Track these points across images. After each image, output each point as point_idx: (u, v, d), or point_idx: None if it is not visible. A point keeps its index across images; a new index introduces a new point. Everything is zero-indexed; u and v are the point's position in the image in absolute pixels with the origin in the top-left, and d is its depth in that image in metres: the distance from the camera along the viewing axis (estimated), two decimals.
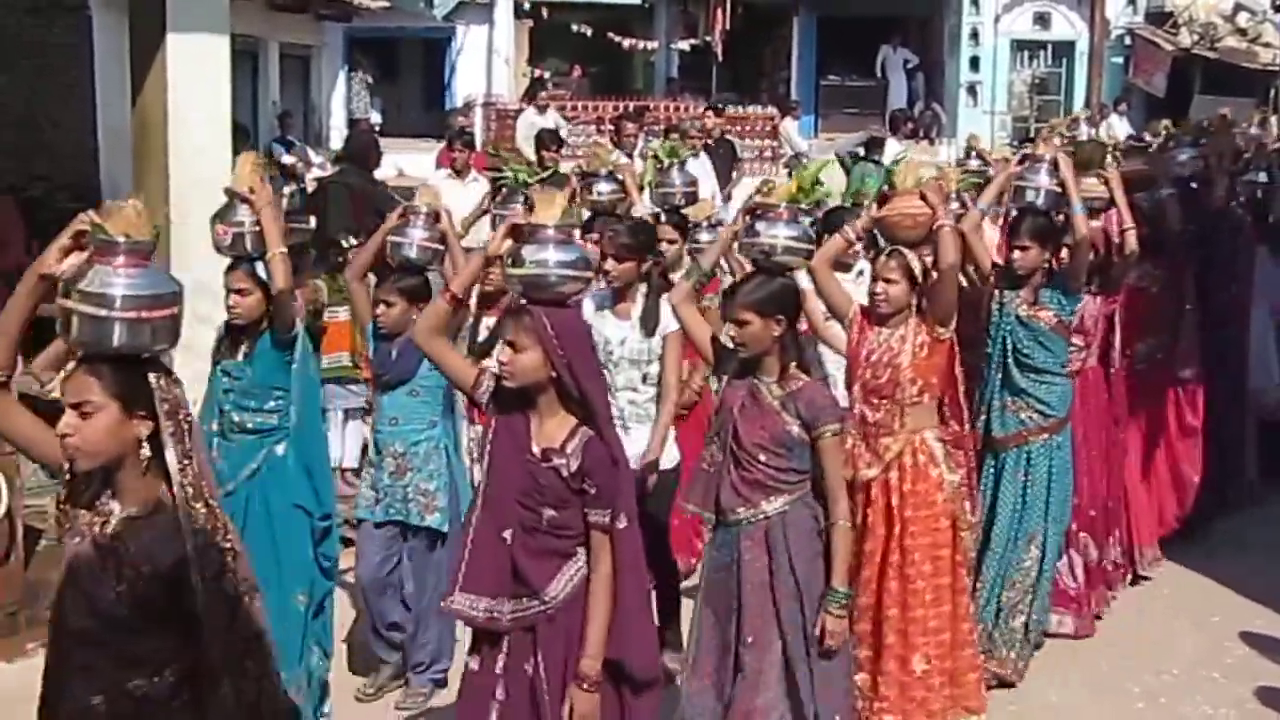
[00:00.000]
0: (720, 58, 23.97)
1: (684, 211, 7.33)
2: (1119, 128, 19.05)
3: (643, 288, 6.00)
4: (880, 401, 5.40)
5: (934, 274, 5.29)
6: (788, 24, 25.21)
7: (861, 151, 16.21)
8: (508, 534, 4.02)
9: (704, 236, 7.46)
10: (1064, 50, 24.42)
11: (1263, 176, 9.03)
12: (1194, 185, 8.17)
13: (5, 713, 5.32)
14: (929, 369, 5.37)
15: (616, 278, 5.91)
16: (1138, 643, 6.67)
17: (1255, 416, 8.83)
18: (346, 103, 20.78)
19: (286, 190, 14.79)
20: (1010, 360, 6.18)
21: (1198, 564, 7.56)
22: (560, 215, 4.16)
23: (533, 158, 12.36)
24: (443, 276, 5.88)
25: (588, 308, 5.81)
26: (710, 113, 15.36)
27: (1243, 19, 22.77)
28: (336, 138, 18.54)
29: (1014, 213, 6.45)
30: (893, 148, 16.16)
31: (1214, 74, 22.10)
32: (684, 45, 25.51)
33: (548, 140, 11.82)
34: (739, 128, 19.94)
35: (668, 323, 5.77)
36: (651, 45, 25.36)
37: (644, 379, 5.94)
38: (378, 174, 11.69)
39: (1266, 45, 22.39)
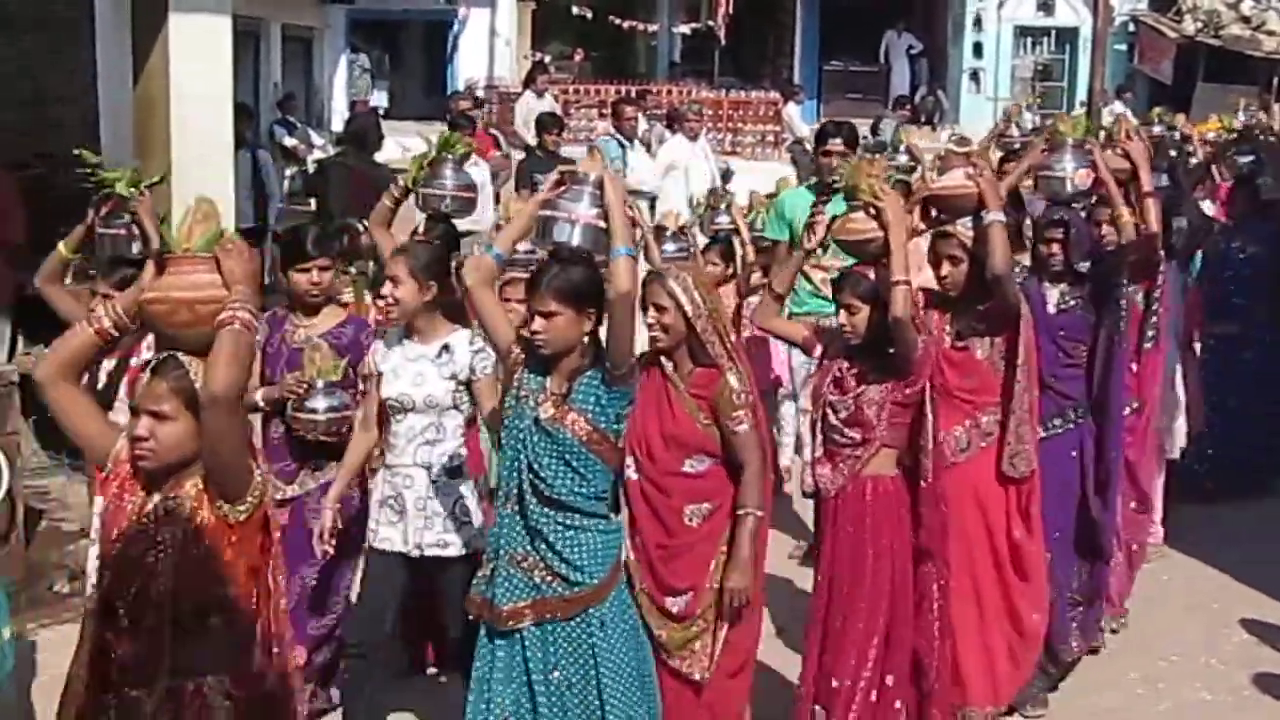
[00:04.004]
0: (723, 41, 23.94)
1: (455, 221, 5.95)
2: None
3: None
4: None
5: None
6: (791, 8, 25.17)
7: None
8: None
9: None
10: (1067, 37, 24.41)
11: (1162, 179, 7.84)
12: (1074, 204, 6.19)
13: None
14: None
15: None
16: (1137, 629, 6.67)
17: (1163, 458, 7.38)
18: (348, 85, 20.75)
19: (288, 172, 14.86)
20: (525, 487, 4.16)
21: (1197, 552, 7.56)
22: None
23: (533, 141, 12.39)
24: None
25: None
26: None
27: (1246, 6, 22.74)
28: (338, 120, 18.51)
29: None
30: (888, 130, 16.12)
31: (1218, 62, 22.08)
32: (686, 29, 25.47)
33: (548, 124, 11.83)
34: (741, 112, 19.93)
35: None
36: (653, 28, 25.32)
37: None
38: (380, 156, 11.67)
39: (1270, 33, 22.35)
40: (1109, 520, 6.01)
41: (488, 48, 22.11)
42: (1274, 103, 16.06)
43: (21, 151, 9.64)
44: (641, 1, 25.37)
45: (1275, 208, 9.01)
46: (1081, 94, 22.29)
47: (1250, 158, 9.15)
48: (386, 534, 4.93)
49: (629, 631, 4.35)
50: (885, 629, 4.86)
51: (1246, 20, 22.60)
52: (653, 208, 11.49)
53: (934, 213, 5.37)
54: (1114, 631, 6.46)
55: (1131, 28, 23.92)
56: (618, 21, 23.87)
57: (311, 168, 14.67)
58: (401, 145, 16.50)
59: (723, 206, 8.32)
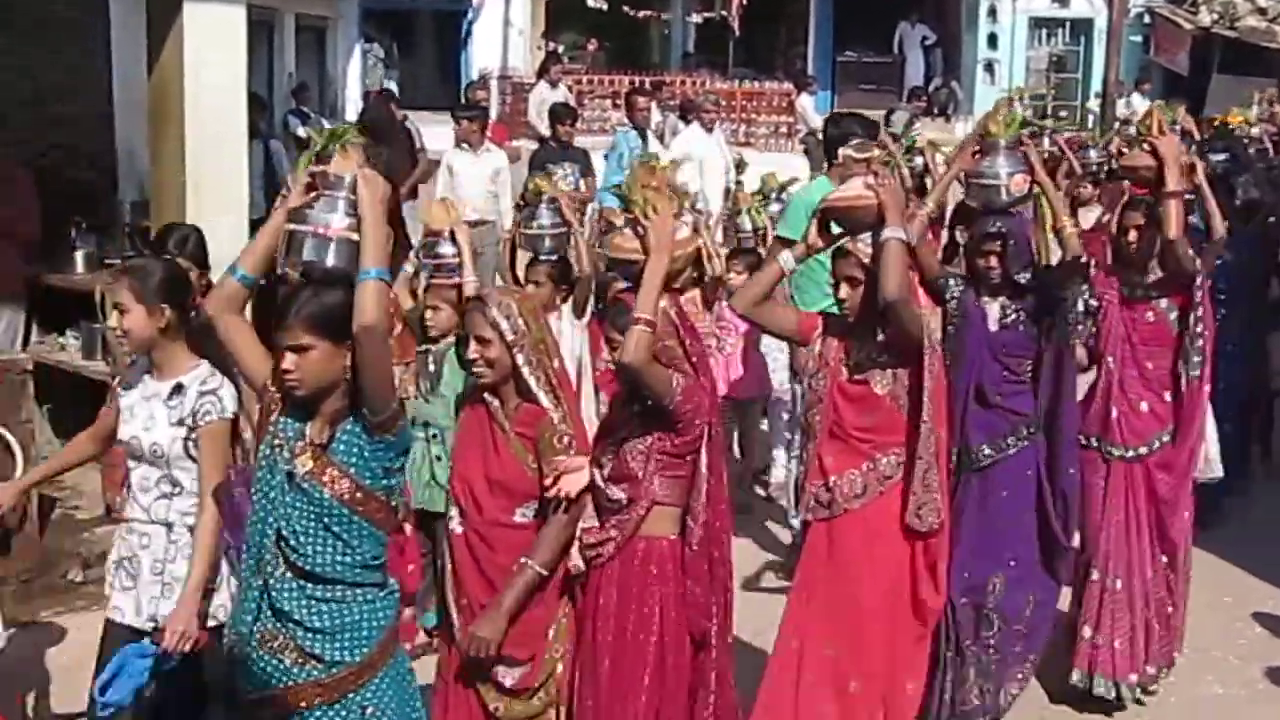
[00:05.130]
0: (736, 32, 23.88)
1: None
2: (1140, 107, 18.97)
3: None
4: None
5: None
6: None
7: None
8: None
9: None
10: (1082, 28, 24.33)
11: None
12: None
13: (20, 676, 5.36)
14: None
15: None
16: None
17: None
18: (362, 75, 20.75)
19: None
20: (273, 555, 3.59)
21: (1211, 546, 7.54)
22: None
23: (546, 132, 12.40)
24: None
25: None
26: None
27: None
28: (352, 110, 18.51)
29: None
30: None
31: (1234, 54, 21.99)
32: (699, 19, 25.42)
33: (562, 114, 11.82)
34: (755, 103, 19.88)
35: None
36: (666, 18, 25.28)
37: None
38: None
39: None
40: (1069, 544, 5.49)
41: (501, 37, 22.08)
42: None
43: (37, 143, 9.68)
44: None
45: (1255, 210, 8.37)
46: (1096, 85, 22.23)
47: (1224, 156, 8.54)
48: (119, 602, 4.33)
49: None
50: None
51: (1263, 12, 22.49)
52: None
53: (833, 227, 4.71)
54: (1151, 693, 5.95)
55: (1147, 19, 23.82)
56: (631, 11, 23.83)
57: None
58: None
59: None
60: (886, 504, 4.70)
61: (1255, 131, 10.26)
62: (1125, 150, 7.54)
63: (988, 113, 5.59)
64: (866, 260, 4.58)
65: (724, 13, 23.99)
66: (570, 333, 6.12)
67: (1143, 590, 5.84)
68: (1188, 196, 6.00)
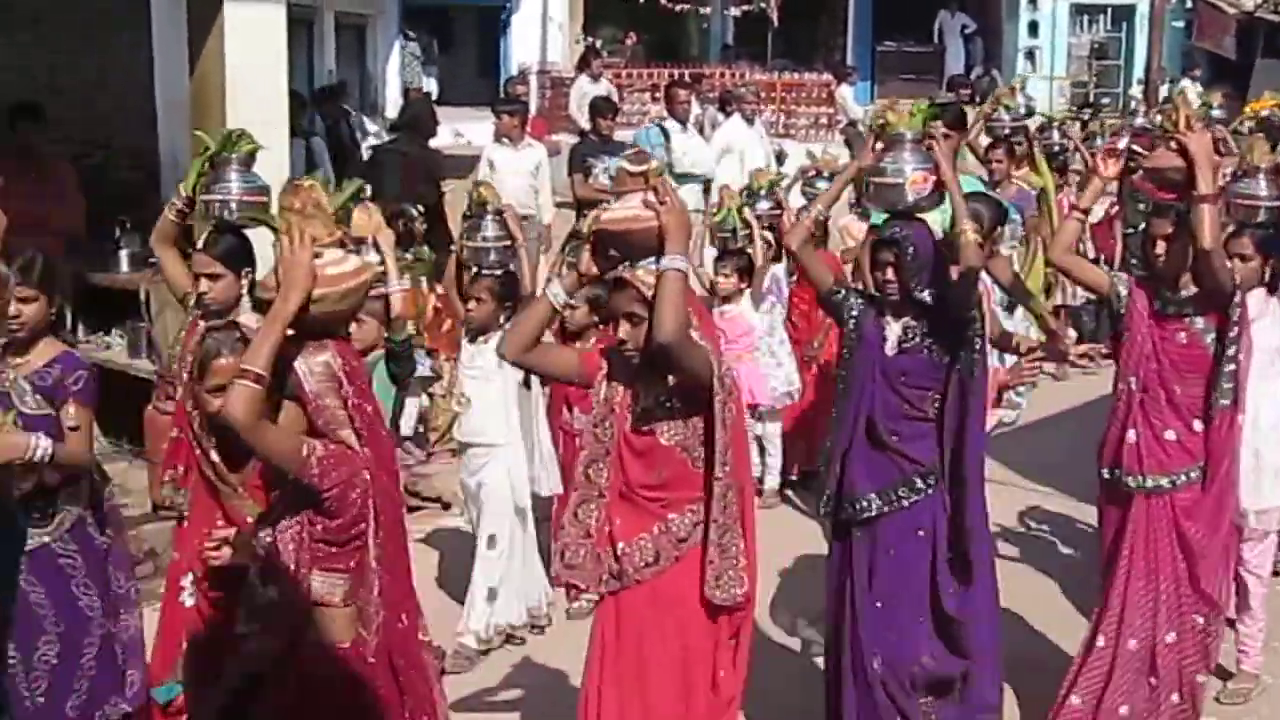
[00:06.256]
0: (776, 23, 23.80)
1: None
2: (1191, 95, 18.76)
3: None
4: None
5: None
6: None
7: None
8: None
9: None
10: (1124, 14, 24.13)
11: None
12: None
13: None
14: None
15: None
16: None
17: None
18: (401, 72, 20.82)
19: None
20: None
21: None
22: None
23: (586, 126, 12.39)
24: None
25: None
26: None
27: None
28: (392, 108, 18.58)
29: None
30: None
31: (1279, 37, 21.76)
32: (738, 11, 25.35)
33: (603, 108, 11.81)
34: (794, 94, 19.82)
35: None
36: (705, 11, 25.23)
37: None
38: (434, 142, 11.69)
39: None
40: (972, 613, 4.75)
41: (540, 32, 22.10)
42: None
43: (81, 141, 9.76)
44: None
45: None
46: (1139, 72, 22.03)
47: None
48: None
49: None
50: None
51: None
52: (706, 191, 11.47)
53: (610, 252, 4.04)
54: None
55: (1189, 4, 23.62)
56: (669, 4, 23.79)
57: (365, 155, 14.79)
58: (455, 130, 16.64)
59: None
60: (682, 572, 4.04)
61: None
62: (1137, 146, 7.25)
63: (891, 103, 5.15)
64: (648, 293, 3.87)
65: (763, 4, 23.91)
66: None
67: (1165, 653, 5.07)
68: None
